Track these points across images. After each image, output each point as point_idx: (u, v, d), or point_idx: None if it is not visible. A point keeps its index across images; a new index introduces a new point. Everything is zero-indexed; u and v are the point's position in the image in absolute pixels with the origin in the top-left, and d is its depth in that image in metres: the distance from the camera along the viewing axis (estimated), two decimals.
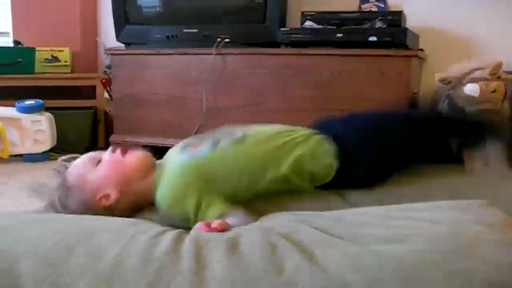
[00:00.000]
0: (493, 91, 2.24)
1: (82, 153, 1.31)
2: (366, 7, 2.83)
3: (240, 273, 0.79)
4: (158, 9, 3.05)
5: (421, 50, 2.67)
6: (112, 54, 3.11)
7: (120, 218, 1.08)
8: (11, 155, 2.84)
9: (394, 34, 2.42)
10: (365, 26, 2.56)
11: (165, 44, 2.94)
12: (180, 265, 0.83)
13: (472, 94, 2.26)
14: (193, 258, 0.84)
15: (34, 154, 2.92)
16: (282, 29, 2.68)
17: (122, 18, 3.08)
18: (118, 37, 3.11)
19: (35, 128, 2.91)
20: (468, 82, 2.29)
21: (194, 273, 0.80)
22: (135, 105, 3.01)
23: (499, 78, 2.28)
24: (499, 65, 2.27)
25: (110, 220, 1.05)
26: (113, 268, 0.83)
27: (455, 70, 2.39)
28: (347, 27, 2.58)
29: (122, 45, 3.15)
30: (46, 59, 3.42)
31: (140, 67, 2.97)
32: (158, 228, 1.00)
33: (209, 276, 0.79)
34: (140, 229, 0.97)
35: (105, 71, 3.51)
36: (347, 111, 2.51)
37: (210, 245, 0.87)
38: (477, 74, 2.29)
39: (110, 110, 3.31)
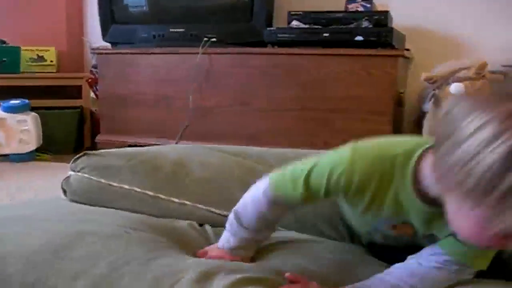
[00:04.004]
0: (478, 90, 2.26)
1: (69, 153, 1.17)
2: (353, 7, 2.85)
3: None
4: (144, 8, 3.04)
5: (407, 49, 2.69)
6: (98, 54, 3.09)
7: (111, 221, 1.01)
8: None
9: (380, 33, 2.44)
10: (352, 25, 2.58)
11: (152, 44, 2.93)
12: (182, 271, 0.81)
13: (458, 93, 2.28)
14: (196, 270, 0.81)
15: (20, 154, 2.89)
16: (268, 28, 2.69)
17: (108, 18, 3.06)
18: (105, 36, 3.09)
19: (21, 128, 2.88)
20: (453, 82, 2.32)
21: (198, 281, 0.79)
22: (122, 105, 2.99)
23: (484, 77, 2.31)
24: (484, 65, 2.29)
25: (100, 223, 0.99)
26: (109, 273, 0.80)
27: (440, 69, 2.42)
28: (333, 26, 2.59)
29: (109, 44, 3.13)
30: (32, 58, 3.39)
31: (126, 66, 2.96)
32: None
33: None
34: (136, 237, 0.93)
35: (91, 71, 3.48)
36: (333, 110, 2.56)
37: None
38: (463, 73, 2.32)
39: (96, 110, 3.29)
